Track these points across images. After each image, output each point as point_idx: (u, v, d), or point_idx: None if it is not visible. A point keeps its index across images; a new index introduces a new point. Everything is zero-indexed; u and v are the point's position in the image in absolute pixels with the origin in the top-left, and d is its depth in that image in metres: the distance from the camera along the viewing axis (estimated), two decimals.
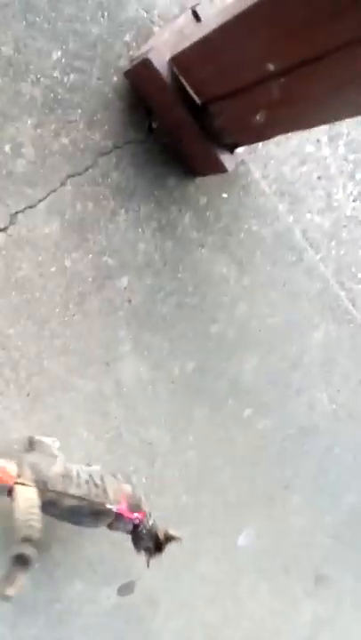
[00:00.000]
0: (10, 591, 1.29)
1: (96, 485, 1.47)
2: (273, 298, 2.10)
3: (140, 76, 1.63)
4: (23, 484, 1.33)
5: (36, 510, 1.31)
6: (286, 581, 2.39)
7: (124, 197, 1.68)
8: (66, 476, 1.42)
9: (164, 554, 1.60)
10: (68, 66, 1.56)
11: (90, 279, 1.65)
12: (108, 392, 1.74)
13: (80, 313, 1.65)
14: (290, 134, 1.96)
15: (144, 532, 1.57)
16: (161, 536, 1.58)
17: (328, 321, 2.31)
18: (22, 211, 1.52)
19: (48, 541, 1.64)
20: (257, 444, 2.15)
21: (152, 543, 1.58)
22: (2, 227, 1.50)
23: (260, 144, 1.89)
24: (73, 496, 1.40)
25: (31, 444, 1.51)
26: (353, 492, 2.58)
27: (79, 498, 1.40)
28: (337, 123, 2.12)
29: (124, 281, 1.72)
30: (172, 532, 1.59)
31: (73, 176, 1.59)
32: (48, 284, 1.58)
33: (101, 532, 1.60)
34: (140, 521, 1.56)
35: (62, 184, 1.56)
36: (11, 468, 1.37)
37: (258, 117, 1.57)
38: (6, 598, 1.30)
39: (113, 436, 1.78)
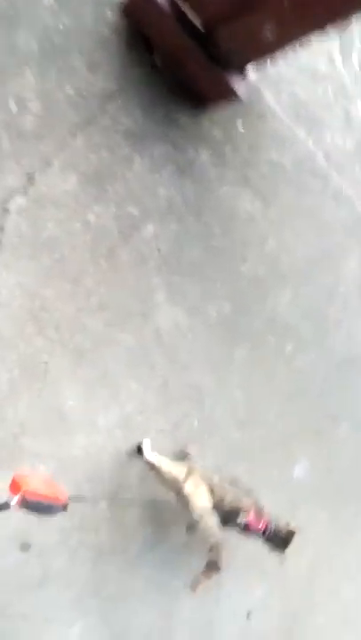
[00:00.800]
0: (198, 589, 1.66)
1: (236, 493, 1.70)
2: (301, 229, 2.04)
3: (136, 7, 1.53)
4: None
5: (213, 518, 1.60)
6: (344, 508, 2.44)
7: (136, 142, 1.62)
8: (221, 485, 1.67)
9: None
10: (60, 10, 1.48)
11: (115, 232, 1.63)
12: (149, 342, 1.75)
13: (111, 267, 1.64)
14: (299, 50, 1.83)
15: (272, 534, 1.74)
16: (284, 533, 1.75)
17: None
18: (38, 170, 1.49)
19: None
20: (301, 379, 2.15)
21: (281, 539, 1.76)
22: (21, 189, 1.48)
23: (270, 66, 1.78)
24: (227, 502, 1.63)
25: (184, 455, 1.76)
26: None
27: (230, 503, 1.64)
28: (349, 35, 1.97)
29: (150, 229, 1.69)
30: (291, 526, 1.75)
31: (82, 126, 1.54)
32: (76, 242, 1.57)
33: None
34: (265, 528, 1.73)
35: (73, 135, 1.52)
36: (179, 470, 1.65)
37: (266, 32, 1.47)
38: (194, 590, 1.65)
39: (160, 385, 1.81)
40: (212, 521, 1.62)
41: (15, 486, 1.13)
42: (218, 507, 1.64)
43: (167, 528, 1.92)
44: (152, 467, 1.66)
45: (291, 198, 1.95)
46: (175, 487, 1.62)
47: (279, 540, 1.75)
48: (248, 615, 2.22)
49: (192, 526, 1.78)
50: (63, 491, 1.25)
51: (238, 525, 1.69)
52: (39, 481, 1.24)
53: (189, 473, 1.64)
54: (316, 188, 2.03)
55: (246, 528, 1.70)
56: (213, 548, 1.63)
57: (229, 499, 1.65)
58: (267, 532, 1.73)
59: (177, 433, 1.86)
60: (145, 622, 1.95)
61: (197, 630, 2.08)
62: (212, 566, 1.63)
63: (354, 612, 2.62)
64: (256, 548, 1.80)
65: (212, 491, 1.64)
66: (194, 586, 1.70)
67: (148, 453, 1.66)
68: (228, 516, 1.68)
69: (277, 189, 1.91)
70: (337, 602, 2.54)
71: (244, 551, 1.99)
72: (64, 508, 1.23)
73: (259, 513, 1.73)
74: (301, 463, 2.23)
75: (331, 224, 2.09)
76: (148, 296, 1.72)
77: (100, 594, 1.82)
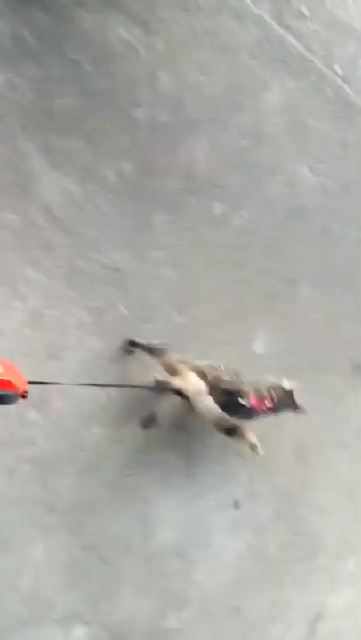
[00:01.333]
0: (260, 450, 1.55)
1: (235, 375, 1.62)
2: (202, 59, 1.69)
3: None
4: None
5: (213, 402, 1.52)
6: (321, 378, 2.25)
7: None
8: (212, 366, 1.57)
9: None
10: None
11: None
12: (40, 221, 1.47)
13: None
14: None
15: (278, 403, 1.69)
16: (285, 398, 1.70)
17: (281, 76, 1.89)
18: None
19: None
20: (239, 242, 1.88)
21: (286, 405, 1.71)
22: None
23: None
24: (227, 381, 1.55)
25: (151, 350, 1.62)
26: None
27: (230, 382, 1.56)
28: None
29: (1, 79, 1.36)
30: (285, 383, 1.71)
31: None
32: None
33: None
34: (272, 405, 1.67)
35: None
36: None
37: None
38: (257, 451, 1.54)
39: (67, 271, 1.55)
40: (209, 400, 1.52)
41: None
42: (215, 390, 1.56)
43: (118, 428, 1.73)
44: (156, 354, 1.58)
45: (178, 21, 1.59)
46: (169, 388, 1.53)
47: (288, 404, 1.72)
48: (236, 504, 2.08)
49: (149, 420, 1.65)
50: (22, 376, 1.18)
51: (242, 409, 1.62)
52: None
53: (173, 371, 1.54)
54: (211, 5, 1.66)
55: (251, 410, 1.64)
56: (222, 422, 1.52)
57: (227, 378, 1.58)
58: (274, 408, 1.69)
59: (103, 324, 1.62)
60: (120, 531, 1.81)
61: (181, 529, 1.95)
62: (239, 432, 1.53)
63: (356, 481, 2.49)
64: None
65: (203, 375, 1.54)
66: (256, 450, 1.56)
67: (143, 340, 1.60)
68: (228, 401, 1.60)
69: (157, 10, 1.55)
70: (334, 475, 2.41)
71: (216, 440, 1.82)
72: (23, 396, 1.16)
73: (258, 392, 1.67)
74: (261, 336, 2.01)
75: (238, 51, 1.74)
76: (20, 163, 1.42)
77: (56, 510, 1.66)
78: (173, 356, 1.56)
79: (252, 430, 1.55)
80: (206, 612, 2.03)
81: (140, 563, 1.80)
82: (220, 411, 1.50)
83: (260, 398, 1.65)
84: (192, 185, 1.72)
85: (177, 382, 1.49)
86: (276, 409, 1.70)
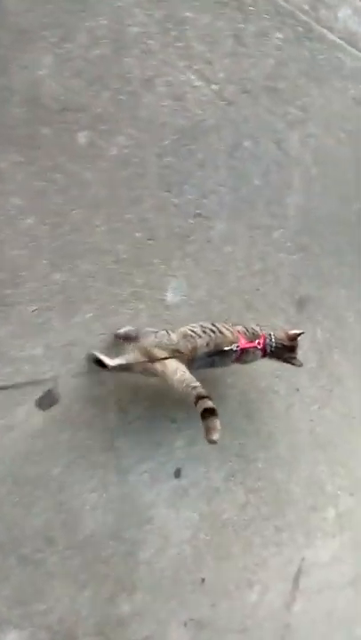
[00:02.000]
0: (215, 436, 1.39)
1: (213, 331, 1.56)
2: None
3: None
4: (161, 359, 1.46)
5: (187, 374, 1.45)
6: (258, 320, 1.97)
7: None
8: (187, 336, 1.53)
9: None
10: None
11: None
12: None
13: None
14: None
15: (273, 348, 1.68)
16: (287, 341, 1.70)
17: None
18: None
19: None
20: (123, 176, 1.58)
21: (287, 352, 1.71)
22: None
23: None
24: (203, 346, 1.52)
25: (130, 337, 1.56)
26: (296, 192, 2.01)
27: (207, 345, 1.53)
28: None
29: None
30: (291, 332, 1.72)
31: None
32: None
33: None
34: (263, 344, 1.65)
35: None
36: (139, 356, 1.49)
37: None
38: (213, 442, 1.39)
39: None
40: (187, 376, 1.46)
41: None
42: (197, 360, 1.54)
43: (8, 412, 1.49)
44: (124, 368, 1.51)
45: None
46: (148, 373, 1.51)
47: (283, 347, 1.70)
48: (177, 473, 1.87)
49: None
50: None
51: (233, 356, 1.59)
52: None
53: (149, 355, 1.50)
54: None
55: (242, 353, 1.60)
56: (199, 397, 1.43)
57: (203, 342, 1.53)
58: (268, 348, 1.67)
59: None
60: (35, 525, 1.60)
61: (113, 509, 1.74)
62: (209, 413, 1.42)
63: (318, 427, 2.27)
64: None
65: (177, 351, 1.50)
66: (209, 436, 1.42)
67: (110, 360, 1.50)
68: (220, 358, 1.58)
69: None
70: (290, 424, 2.18)
71: (138, 409, 1.59)
72: None
73: (251, 334, 1.65)
74: (173, 283, 1.73)
75: None
76: None
77: None
78: (149, 340, 1.52)
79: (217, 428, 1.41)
80: (165, 590, 1.85)
81: (70, 554, 1.61)
82: (196, 384, 1.45)
83: (252, 337, 1.64)
84: (41, 112, 1.40)
85: (158, 367, 1.47)
86: (269, 350, 1.68)
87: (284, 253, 1.97)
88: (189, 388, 1.43)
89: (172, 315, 1.73)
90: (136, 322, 1.65)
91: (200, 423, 1.86)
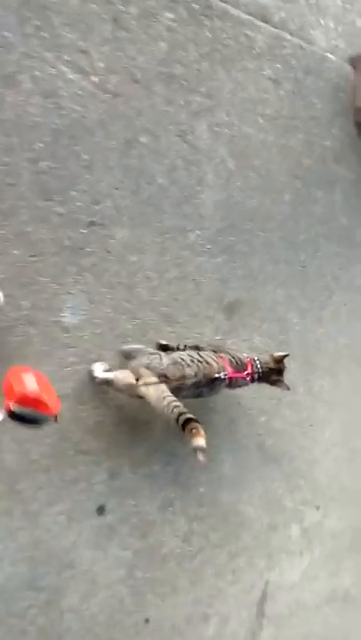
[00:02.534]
0: (200, 441, 1.36)
1: (200, 361, 1.54)
2: None
3: None
4: (147, 384, 1.44)
5: (169, 395, 1.43)
6: (181, 332, 1.79)
7: None
8: (177, 363, 1.51)
9: None
10: None
11: None
12: None
13: None
14: None
15: (260, 374, 1.67)
16: (274, 364, 1.70)
17: None
18: None
19: None
20: None
21: (274, 375, 1.70)
22: None
23: None
24: (191, 376, 1.50)
25: (129, 355, 1.56)
26: (211, 188, 1.81)
27: (195, 375, 1.51)
28: None
29: None
30: (276, 354, 1.71)
31: None
32: None
33: None
34: (250, 373, 1.65)
35: None
36: (128, 375, 1.48)
37: None
38: (201, 448, 1.36)
39: None
40: (169, 397, 1.45)
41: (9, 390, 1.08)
42: (185, 386, 1.51)
43: None
44: (107, 383, 1.52)
45: None
46: (134, 394, 1.49)
47: (270, 371, 1.70)
48: (100, 509, 1.70)
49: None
50: (55, 397, 1.18)
51: (221, 385, 1.60)
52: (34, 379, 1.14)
53: (138, 375, 1.49)
54: None
55: (231, 382, 1.61)
56: (180, 414, 1.41)
57: (191, 372, 1.51)
58: (255, 374, 1.67)
59: None
60: None
61: (25, 557, 1.57)
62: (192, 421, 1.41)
63: (265, 441, 2.07)
64: None
65: (165, 376, 1.48)
66: (195, 442, 1.39)
67: (100, 373, 1.53)
68: (208, 389, 1.58)
69: None
70: (232, 439, 2.00)
71: (43, 446, 1.41)
72: (55, 419, 1.16)
73: (236, 362, 1.64)
74: (71, 302, 1.55)
75: None
76: None
77: None
78: (141, 360, 1.52)
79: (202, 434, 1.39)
80: (101, 636, 1.68)
81: None
82: (178, 403, 1.43)
83: (239, 365, 1.64)
84: None
85: (142, 389, 1.46)
86: (256, 376, 1.68)
87: (205, 257, 1.78)
88: (170, 408, 1.41)
89: (74, 337, 1.55)
90: (29, 349, 1.48)
91: (123, 451, 1.69)
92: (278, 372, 1.71)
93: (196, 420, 1.41)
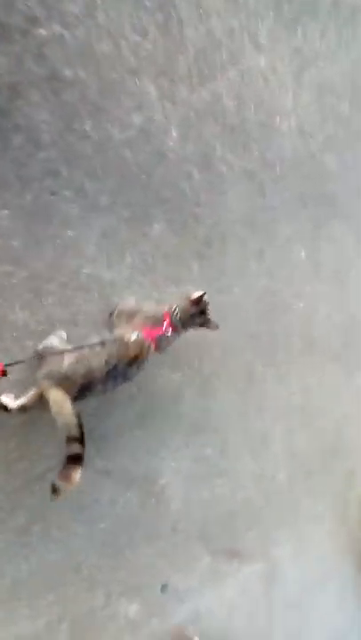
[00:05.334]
0: (67, 486, 1.29)
1: (106, 343, 1.40)
2: None
3: None
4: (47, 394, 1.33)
5: (68, 408, 1.31)
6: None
7: None
8: (80, 359, 1.36)
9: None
10: None
11: None
12: None
13: None
14: None
15: (179, 320, 1.54)
16: (194, 308, 1.56)
17: None
18: None
19: None
20: None
21: (197, 317, 1.57)
22: None
23: None
24: (101, 367, 1.37)
25: (41, 356, 1.40)
26: None
27: (106, 363, 1.37)
28: None
29: None
30: (194, 294, 1.57)
31: None
32: None
33: None
34: (170, 323, 1.52)
35: None
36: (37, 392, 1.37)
37: None
38: (59, 492, 1.29)
39: None
40: (66, 411, 1.33)
41: None
42: (97, 379, 1.38)
43: None
44: (23, 408, 1.39)
45: None
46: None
47: (191, 315, 1.56)
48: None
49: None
50: None
51: (147, 352, 1.46)
52: None
53: (41, 388, 1.37)
54: None
55: (156, 343, 1.49)
56: (70, 439, 1.31)
57: (99, 361, 1.37)
58: (176, 324, 1.53)
59: None
60: None
61: None
62: (74, 461, 1.31)
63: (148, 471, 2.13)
64: None
65: (65, 379, 1.35)
66: (58, 492, 1.32)
67: (12, 402, 1.39)
68: (132, 366, 1.44)
69: None
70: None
71: None
72: (3, 374, 1.24)
73: (153, 321, 1.51)
74: None
75: None
76: None
77: None
78: (42, 369, 1.37)
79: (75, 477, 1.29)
80: None
81: None
82: (74, 421, 1.31)
83: (155, 325, 1.49)
84: None
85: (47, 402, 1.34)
86: (177, 326, 1.55)
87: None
88: (66, 425, 1.30)
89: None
90: None
91: None
92: (201, 312, 1.56)
93: (78, 459, 1.30)
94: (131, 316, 1.53)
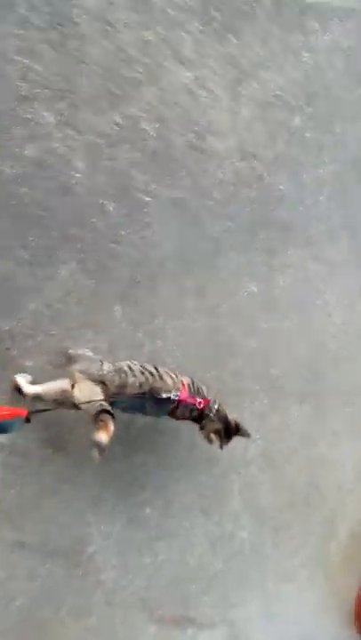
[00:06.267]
0: (102, 437, 1.29)
1: (152, 374, 1.45)
2: None
3: None
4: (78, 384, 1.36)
5: (100, 397, 1.34)
6: None
7: None
8: (119, 370, 1.42)
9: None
10: None
11: None
12: None
13: None
14: None
15: (212, 415, 1.56)
16: (232, 423, 1.60)
17: None
18: None
19: None
20: None
21: (222, 426, 1.58)
22: None
23: None
24: (135, 386, 1.40)
25: (71, 358, 1.46)
26: None
27: (140, 386, 1.41)
28: None
29: None
30: (240, 424, 1.62)
31: None
32: None
33: None
34: (204, 406, 1.55)
35: None
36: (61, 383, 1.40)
37: None
38: (100, 445, 1.29)
39: None
40: (98, 397, 1.36)
41: None
42: (125, 396, 1.41)
43: None
44: (38, 397, 1.43)
45: None
46: (68, 402, 1.39)
47: (223, 420, 1.58)
48: None
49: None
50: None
51: (168, 406, 1.48)
52: None
53: (73, 380, 1.40)
54: None
55: (178, 406, 1.49)
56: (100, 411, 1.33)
57: (135, 382, 1.41)
58: (207, 411, 1.55)
59: None
60: None
61: None
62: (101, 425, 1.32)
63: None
64: None
65: (102, 382, 1.39)
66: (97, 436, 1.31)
67: (27, 387, 1.44)
68: (154, 404, 1.46)
69: None
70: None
71: None
72: (27, 420, 1.27)
73: (195, 390, 1.55)
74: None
75: None
76: None
77: None
78: (80, 365, 1.43)
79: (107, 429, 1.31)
80: None
81: None
82: (104, 402, 1.35)
83: (193, 395, 1.53)
84: None
85: (74, 392, 1.37)
86: (209, 413, 1.56)
87: None
88: (95, 406, 1.32)
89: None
90: None
91: None
92: (228, 432, 1.60)
93: (109, 413, 1.32)
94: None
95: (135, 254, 1.65)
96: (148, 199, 1.63)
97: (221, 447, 1.61)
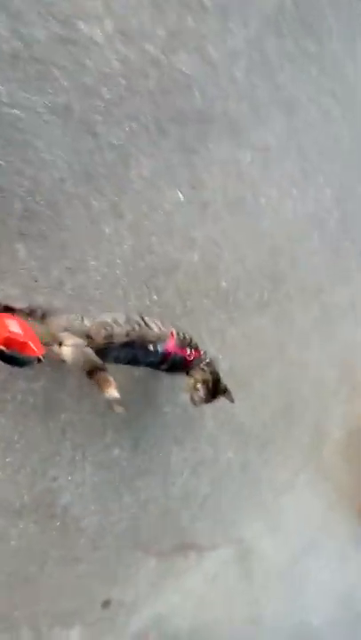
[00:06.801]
0: (112, 392, 1.30)
1: (138, 323, 1.42)
2: None
3: None
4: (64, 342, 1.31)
5: (88, 349, 1.31)
6: None
7: None
8: (104, 322, 1.38)
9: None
10: None
11: None
12: None
13: None
14: None
15: (202, 365, 1.52)
16: (222, 382, 1.54)
17: None
18: None
19: None
20: None
21: (211, 381, 1.53)
22: None
23: None
24: (121, 335, 1.37)
25: (41, 314, 1.38)
26: None
27: (127, 335, 1.38)
28: None
29: None
30: (230, 391, 1.56)
31: None
32: None
33: None
34: (194, 356, 1.51)
35: None
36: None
37: None
38: (116, 399, 1.30)
39: None
40: (88, 350, 1.33)
41: None
42: (113, 346, 1.38)
43: None
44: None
45: None
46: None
47: (214, 375, 1.54)
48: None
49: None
50: (38, 342, 1.21)
51: (157, 356, 1.44)
52: (18, 325, 1.20)
53: (57, 339, 1.34)
54: None
55: (167, 358, 1.46)
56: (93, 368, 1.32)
57: (121, 331, 1.38)
58: (198, 362, 1.52)
59: None
60: None
61: None
62: (104, 382, 1.32)
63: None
64: None
65: (88, 336, 1.36)
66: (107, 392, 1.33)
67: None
68: (143, 353, 1.43)
69: None
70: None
71: None
72: (39, 360, 1.19)
73: (183, 342, 1.50)
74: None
75: None
76: None
77: None
78: (59, 321, 1.37)
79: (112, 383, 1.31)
80: None
81: None
82: (91, 353, 1.32)
83: (183, 346, 1.49)
84: None
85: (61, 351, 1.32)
86: (202, 364, 1.53)
87: None
88: (84, 357, 1.30)
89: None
90: None
91: None
92: (215, 392, 1.55)
93: (102, 369, 1.31)
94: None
95: (23, 181, 1.43)
96: (17, 112, 1.39)
97: (197, 404, 1.54)
